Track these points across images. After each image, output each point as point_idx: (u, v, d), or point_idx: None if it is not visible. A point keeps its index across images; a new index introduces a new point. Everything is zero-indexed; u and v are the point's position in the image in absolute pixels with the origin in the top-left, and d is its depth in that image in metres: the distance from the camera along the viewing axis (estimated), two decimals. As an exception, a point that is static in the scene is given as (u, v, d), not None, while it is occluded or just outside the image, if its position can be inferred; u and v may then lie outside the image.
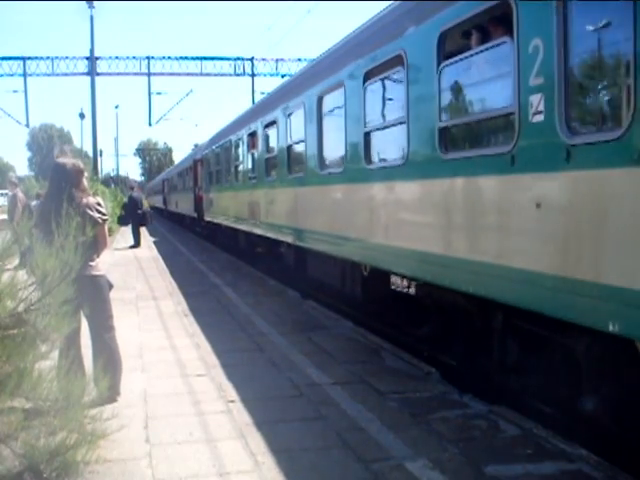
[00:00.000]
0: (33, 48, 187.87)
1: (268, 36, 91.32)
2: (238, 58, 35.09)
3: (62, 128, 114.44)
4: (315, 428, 4.45)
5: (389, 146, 6.71)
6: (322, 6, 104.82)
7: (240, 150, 14.67)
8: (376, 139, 6.94)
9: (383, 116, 6.88)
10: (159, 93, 36.72)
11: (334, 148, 8.10)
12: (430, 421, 4.54)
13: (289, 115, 10.04)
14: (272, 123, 11.20)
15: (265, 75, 35.23)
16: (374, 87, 6.83)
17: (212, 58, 34.78)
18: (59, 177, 5.06)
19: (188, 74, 34.34)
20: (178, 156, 76.02)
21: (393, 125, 6.44)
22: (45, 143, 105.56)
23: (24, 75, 32.21)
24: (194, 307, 9.33)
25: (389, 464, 3.82)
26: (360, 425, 4.48)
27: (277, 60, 35.03)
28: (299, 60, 33.20)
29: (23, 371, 3.37)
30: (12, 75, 32.29)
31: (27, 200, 14.89)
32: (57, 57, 32.50)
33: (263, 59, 35.13)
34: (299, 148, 9.53)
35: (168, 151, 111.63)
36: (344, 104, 7.43)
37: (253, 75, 35.17)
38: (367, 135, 6.93)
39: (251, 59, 35.09)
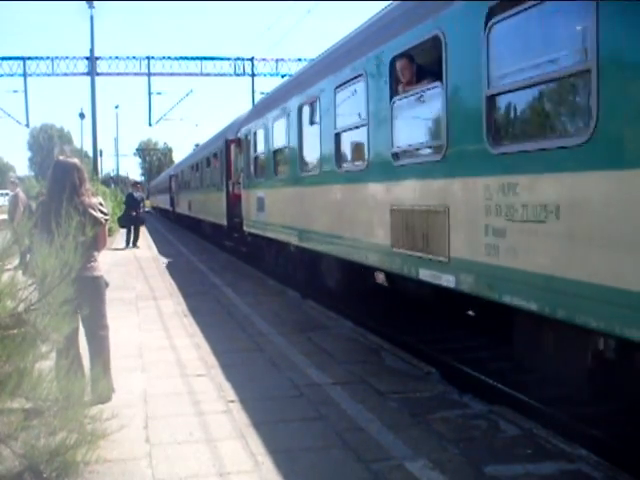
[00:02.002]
0: (33, 48, 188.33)
1: (268, 36, 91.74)
2: (238, 58, 35.09)
3: (62, 128, 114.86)
4: (315, 428, 4.45)
5: None
6: (322, 6, 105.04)
7: (354, 102, 7.38)
8: None
9: None
10: (159, 93, 37.00)
11: None
12: (430, 421, 4.54)
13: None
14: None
15: (265, 75, 35.23)
16: None
17: (212, 58, 34.76)
18: (61, 176, 5.03)
19: (188, 74, 34.33)
20: (178, 156, 75.87)
21: None
22: (45, 143, 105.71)
23: (24, 75, 32.20)
24: (194, 307, 9.32)
25: (389, 464, 3.82)
26: (360, 425, 4.48)
27: (277, 60, 35.03)
28: (299, 60, 33.20)
29: (23, 371, 3.37)
30: (12, 75, 32.26)
31: (28, 200, 14.86)
32: (57, 57, 32.50)
33: (263, 59, 35.15)
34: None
35: (168, 151, 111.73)
36: None
37: (253, 75, 35.16)
38: None
39: (251, 59, 35.09)
